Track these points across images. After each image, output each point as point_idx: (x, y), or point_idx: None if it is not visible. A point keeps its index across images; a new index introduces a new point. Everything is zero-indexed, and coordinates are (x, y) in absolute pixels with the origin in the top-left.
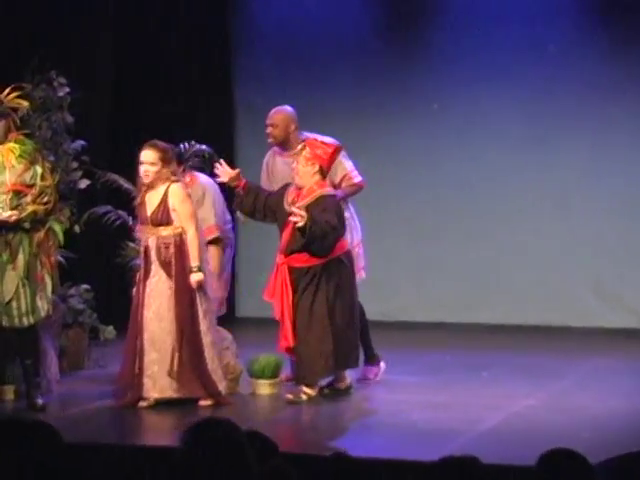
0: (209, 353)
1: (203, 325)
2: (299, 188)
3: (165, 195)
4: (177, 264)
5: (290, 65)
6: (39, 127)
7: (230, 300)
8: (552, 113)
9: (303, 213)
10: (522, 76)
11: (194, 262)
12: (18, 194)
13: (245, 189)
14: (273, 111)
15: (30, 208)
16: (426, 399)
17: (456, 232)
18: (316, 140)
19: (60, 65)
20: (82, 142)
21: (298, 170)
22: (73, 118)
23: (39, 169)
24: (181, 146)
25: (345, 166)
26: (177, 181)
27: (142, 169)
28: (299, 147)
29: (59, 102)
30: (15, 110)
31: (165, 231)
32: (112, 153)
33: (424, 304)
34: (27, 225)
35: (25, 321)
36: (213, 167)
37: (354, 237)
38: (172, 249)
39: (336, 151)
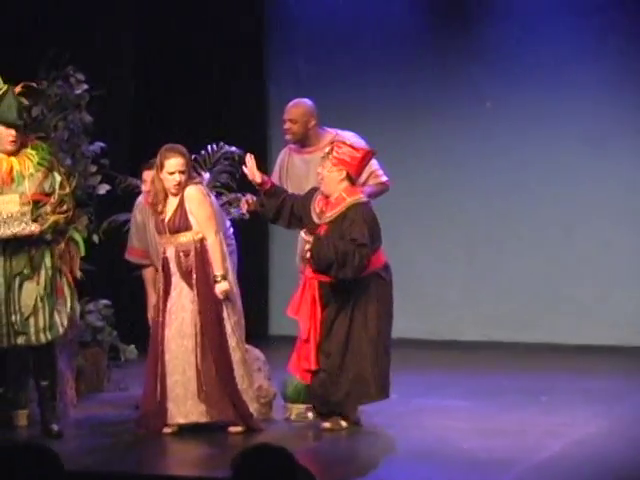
0: (239, 371)
1: (232, 340)
2: (326, 196)
3: (181, 199)
4: (199, 273)
5: (327, 61)
6: (55, 128)
7: (262, 317)
8: (614, 112)
9: (308, 246)
10: (583, 73)
11: (218, 270)
12: (37, 204)
13: (268, 191)
14: (290, 105)
15: (51, 218)
16: (478, 425)
17: (511, 242)
18: (344, 143)
19: (78, 60)
20: (101, 144)
21: (323, 176)
22: (92, 118)
23: (58, 176)
24: (209, 148)
25: (371, 163)
26: (193, 183)
27: (173, 179)
28: (326, 150)
29: (76, 100)
30: (28, 111)
31: (184, 237)
32: (134, 156)
33: (476, 321)
34: (49, 237)
35: (42, 338)
36: (243, 170)
37: None
38: (192, 257)
39: (366, 156)
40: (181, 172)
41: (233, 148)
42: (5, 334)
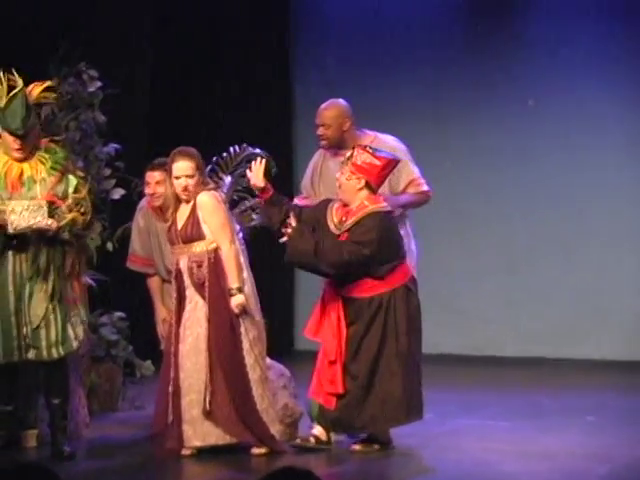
0: (258, 390)
1: (249, 357)
2: (345, 204)
3: (193, 206)
4: (212, 285)
5: (356, 60)
6: (66, 128)
7: (288, 331)
8: None
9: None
10: (628, 69)
11: (233, 282)
12: (51, 205)
13: (269, 199)
14: (322, 107)
15: (69, 215)
16: (520, 448)
17: (555, 252)
18: (365, 149)
19: (91, 56)
20: (116, 145)
21: (341, 183)
22: (105, 118)
23: (73, 180)
24: (230, 150)
25: (412, 170)
26: (207, 189)
27: (179, 184)
28: (347, 155)
29: (89, 99)
30: (40, 107)
31: (197, 247)
32: (150, 158)
33: (516, 336)
34: (66, 235)
35: (54, 353)
36: (268, 173)
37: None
38: (205, 268)
39: (387, 166)
40: (188, 176)
41: (256, 150)
42: (16, 347)
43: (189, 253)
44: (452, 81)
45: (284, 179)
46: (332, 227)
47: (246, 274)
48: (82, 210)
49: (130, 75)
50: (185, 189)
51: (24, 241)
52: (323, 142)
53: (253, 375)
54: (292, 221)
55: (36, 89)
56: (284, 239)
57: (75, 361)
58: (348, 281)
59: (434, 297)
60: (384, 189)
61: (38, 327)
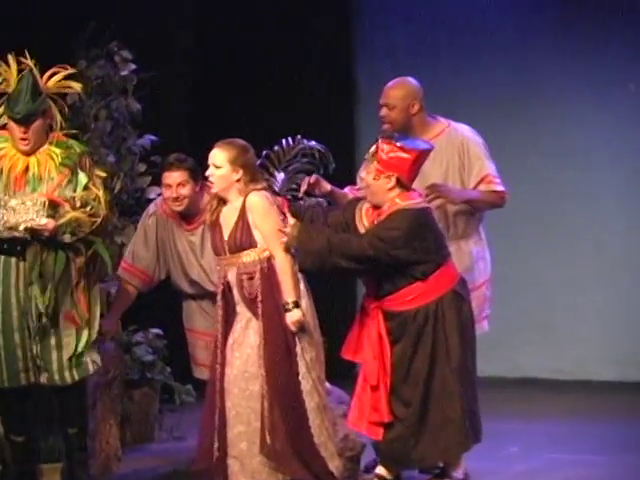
0: (315, 420)
1: (306, 382)
2: (375, 206)
3: (243, 209)
4: (265, 300)
5: (428, 41)
6: (95, 117)
7: None
8: None
9: (288, 229)
10: None
11: (289, 296)
12: (52, 205)
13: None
14: (389, 85)
15: (70, 214)
16: None
17: None
18: (390, 142)
19: (124, 35)
20: (152, 137)
21: (368, 183)
22: (140, 105)
23: (83, 178)
24: (283, 142)
25: (487, 165)
26: (257, 189)
27: (207, 174)
28: (370, 151)
29: (122, 84)
30: (63, 97)
31: (248, 257)
32: (192, 152)
33: (612, 358)
34: (67, 237)
35: (67, 377)
36: (326, 169)
37: (480, 273)
38: (257, 280)
39: (419, 158)
40: (216, 166)
41: (313, 142)
42: (22, 370)
43: (238, 264)
44: (536, 66)
45: (345, 173)
46: (362, 229)
47: (303, 286)
48: (91, 211)
49: (169, 56)
50: (209, 182)
51: (26, 246)
52: (386, 125)
53: (310, 403)
54: (289, 218)
55: (55, 77)
56: (284, 241)
57: (106, 385)
58: (386, 291)
59: (519, 312)
60: (454, 183)
61: (45, 346)
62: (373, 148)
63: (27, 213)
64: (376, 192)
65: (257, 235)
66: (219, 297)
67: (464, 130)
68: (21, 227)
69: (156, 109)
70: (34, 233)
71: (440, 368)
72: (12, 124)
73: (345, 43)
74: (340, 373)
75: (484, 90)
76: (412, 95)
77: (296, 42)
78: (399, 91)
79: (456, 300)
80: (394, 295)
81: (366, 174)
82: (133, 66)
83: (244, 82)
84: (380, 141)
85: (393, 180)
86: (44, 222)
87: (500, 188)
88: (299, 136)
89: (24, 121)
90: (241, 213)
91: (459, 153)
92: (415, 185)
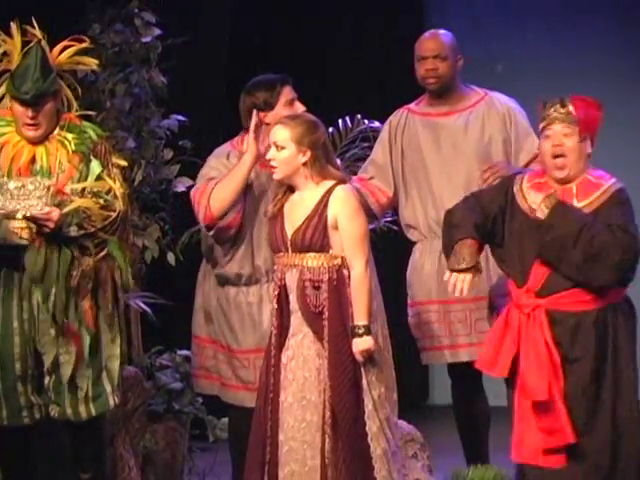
0: (381, 471)
1: (372, 423)
2: (563, 181)
3: (321, 203)
4: (333, 318)
5: (498, 19)
6: (111, 93)
7: (421, 380)
8: None
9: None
10: None
11: (360, 318)
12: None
13: None
14: (428, 36)
15: (77, 202)
16: None
17: None
18: (584, 98)
19: None
20: (180, 117)
21: (565, 150)
22: (166, 79)
23: (97, 167)
24: (340, 123)
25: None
26: (341, 180)
27: (268, 157)
28: (556, 101)
29: (144, 53)
30: (74, 74)
31: (314, 260)
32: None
33: None
34: (74, 230)
35: (83, 412)
36: None
37: None
38: (324, 292)
39: (601, 112)
40: (279, 147)
41: (375, 123)
42: (25, 407)
43: (301, 266)
44: (604, 38)
45: None
46: (524, 208)
47: (376, 305)
48: (104, 203)
49: (201, 19)
50: (270, 165)
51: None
52: (431, 80)
53: (376, 449)
54: None
55: (67, 51)
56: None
57: (124, 419)
58: (559, 286)
59: None
60: (498, 156)
61: (53, 373)
62: (560, 98)
63: (27, 199)
64: (576, 161)
65: (334, 238)
66: (274, 302)
67: (507, 100)
68: (19, 214)
69: (185, 84)
70: (34, 223)
71: (626, 386)
72: (17, 106)
73: (416, 15)
74: (410, 405)
75: (559, 63)
76: (458, 48)
77: (359, 14)
78: (451, 40)
79: (630, 308)
80: (569, 293)
81: (563, 136)
82: (158, 31)
83: (295, 55)
84: (573, 98)
85: (588, 144)
86: (46, 210)
87: None
88: (359, 116)
89: (33, 102)
90: (317, 207)
91: (505, 125)
92: (449, 160)
